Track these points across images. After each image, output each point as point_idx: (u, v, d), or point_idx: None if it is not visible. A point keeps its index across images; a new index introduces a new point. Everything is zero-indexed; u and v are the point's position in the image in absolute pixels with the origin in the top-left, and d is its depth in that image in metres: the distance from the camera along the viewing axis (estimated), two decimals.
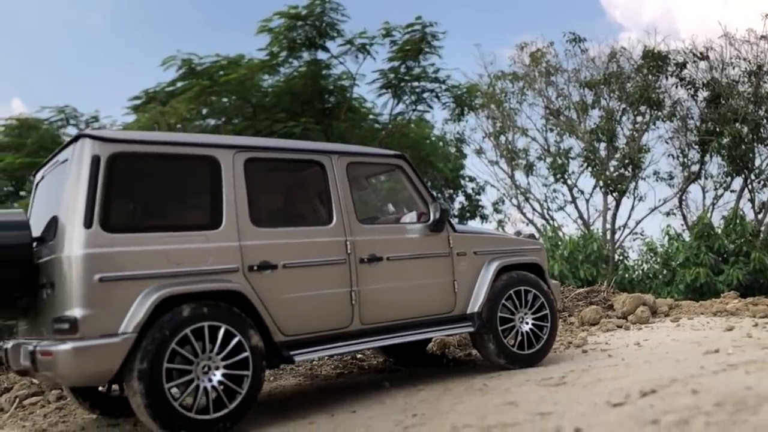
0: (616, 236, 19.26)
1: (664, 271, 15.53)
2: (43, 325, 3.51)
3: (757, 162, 18.11)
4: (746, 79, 17.90)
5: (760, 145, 17.80)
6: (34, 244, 3.59)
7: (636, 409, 2.76)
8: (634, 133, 19.21)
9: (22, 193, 13.74)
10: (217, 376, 3.44)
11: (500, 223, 21.04)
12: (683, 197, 19.33)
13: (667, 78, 18.43)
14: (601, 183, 18.74)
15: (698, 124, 18.32)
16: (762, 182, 18.38)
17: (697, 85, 18.17)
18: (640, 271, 16.64)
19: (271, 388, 5.13)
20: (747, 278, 14.07)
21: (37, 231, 3.64)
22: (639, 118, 19.14)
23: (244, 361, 3.52)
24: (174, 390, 3.34)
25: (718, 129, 17.31)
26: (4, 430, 4.29)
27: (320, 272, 3.98)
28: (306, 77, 12.37)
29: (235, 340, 3.51)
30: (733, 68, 18.15)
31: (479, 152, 21.34)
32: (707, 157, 18.49)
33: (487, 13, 32.25)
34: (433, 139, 17.66)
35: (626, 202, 19.35)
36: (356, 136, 12.62)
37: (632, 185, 18.94)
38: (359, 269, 4.12)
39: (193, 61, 11.89)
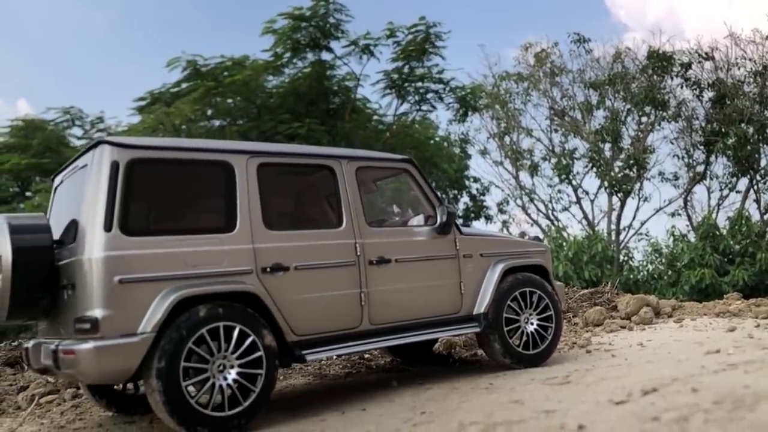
0: (621, 237, 19.28)
1: (669, 272, 15.51)
2: (64, 325, 3.62)
3: (763, 162, 18.09)
4: (752, 80, 17.87)
5: (765, 146, 17.76)
6: (55, 246, 3.71)
7: (637, 407, 2.83)
8: (639, 133, 19.20)
9: (28, 194, 13.79)
10: (232, 374, 3.55)
11: (505, 223, 21.07)
12: (688, 198, 19.34)
13: (672, 78, 18.41)
14: (605, 183, 18.72)
15: (703, 124, 18.29)
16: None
17: (702, 86, 18.13)
18: (645, 272, 16.63)
19: (281, 387, 5.22)
20: (752, 279, 14.04)
21: (56, 234, 3.75)
22: (644, 119, 19.12)
23: (257, 360, 3.63)
24: (191, 388, 3.45)
25: (723, 129, 17.29)
26: (23, 428, 4.41)
27: (330, 274, 4.08)
28: (310, 78, 12.39)
29: (249, 340, 3.61)
30: (739, 68, 18.15)
31: (484, 153, 21.41)
32: (712, 158, 18.47)
33: (491, 13, 32.31)
34: (438, 139, 17.69)
35: (631, 203, 19.39)
36: (361, 136, 12.65)
37: (637, 186, 18.93)
38: (368, 271, 4.22)
39: (197, 62, 11.92)
